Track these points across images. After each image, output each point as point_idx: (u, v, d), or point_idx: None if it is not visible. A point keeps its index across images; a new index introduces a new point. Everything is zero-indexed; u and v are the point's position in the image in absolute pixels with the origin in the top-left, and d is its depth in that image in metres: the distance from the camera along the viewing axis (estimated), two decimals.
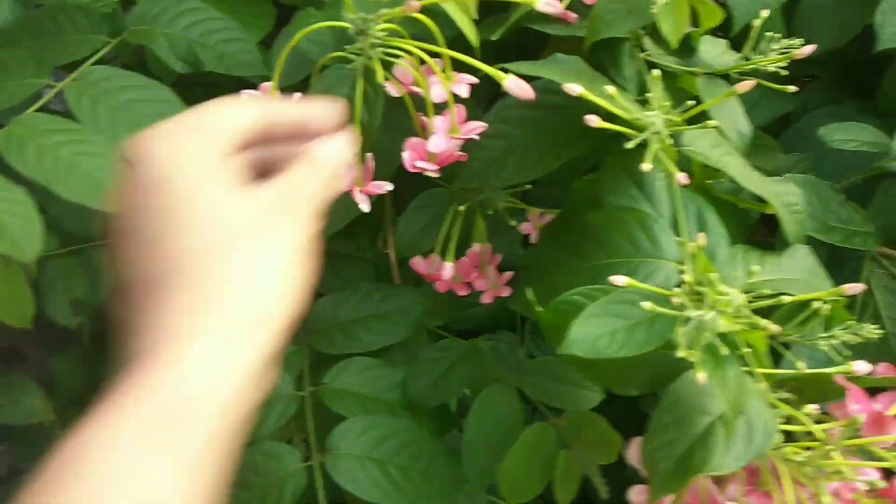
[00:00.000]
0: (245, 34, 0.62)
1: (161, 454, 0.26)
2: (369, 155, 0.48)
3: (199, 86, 0.66)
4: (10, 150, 0.48)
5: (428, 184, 0.62)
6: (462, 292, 0.59)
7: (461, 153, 0.48)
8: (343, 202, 0.59)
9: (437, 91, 0.46)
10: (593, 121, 0.40)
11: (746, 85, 0.39)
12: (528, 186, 0.58)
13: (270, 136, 0.36)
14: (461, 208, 0.56)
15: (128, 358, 0.29)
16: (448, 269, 0.55)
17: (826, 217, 0.64)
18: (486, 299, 0.60)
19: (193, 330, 0.28)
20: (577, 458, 0.56)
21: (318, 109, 0.39)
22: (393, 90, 0.47)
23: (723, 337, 0.36)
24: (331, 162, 0.36)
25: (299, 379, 0.60)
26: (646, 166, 0.40)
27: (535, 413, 0.62)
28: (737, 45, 0.60)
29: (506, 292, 0.61)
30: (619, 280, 0.38)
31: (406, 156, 0.47)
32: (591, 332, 0.38)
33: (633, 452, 0.50)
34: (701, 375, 0.35)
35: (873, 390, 0.45)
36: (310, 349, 0.62)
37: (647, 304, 0.36)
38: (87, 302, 0.77)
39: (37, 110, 0.54)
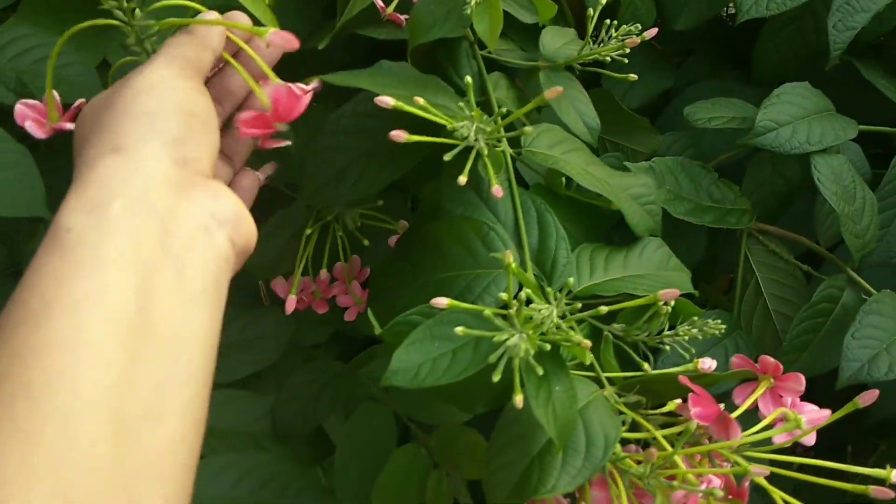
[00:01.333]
0: (82, 56, 0.59)
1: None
2: None
3: None
4: None
5: (285, 202, 0.60)
6: (321, 310, 0.57)
7: None
8: None
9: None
10: (400, 136, 0.38)
11: (553, 92, 0.37)
12: (380, 202, 0.56)
13: None
14: (308, 231, 0.54)
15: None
16: (291, 302, 0.53)
17: (699, 198, 0.64)
18: (349, 316, 0.58)
19: (93, 154, 0.33)
20: (447, 478, 0.55)
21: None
22: None
23: (542, 354, 0.34)
24: (205, 28, 0.39)
25: None
26: (462, 179, 0.39)
27: (408, 432, 0.61)
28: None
29: None
30: (440, 302, 0.37)
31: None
32: (413, 360, 0.37)
33: None
34: (518, 399, 0.34)
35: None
36: None
37: (459, 330, 0.34)
38: None
39: None
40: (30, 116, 0.42)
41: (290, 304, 0.53)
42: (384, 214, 0.58)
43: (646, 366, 0.43)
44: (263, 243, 0.58)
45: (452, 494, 0.55)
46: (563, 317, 0.37)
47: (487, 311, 0.35)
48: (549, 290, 0.36)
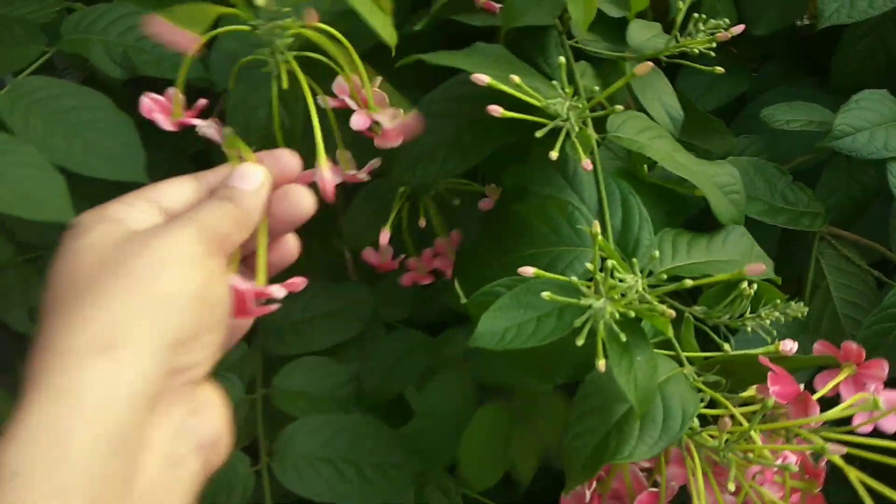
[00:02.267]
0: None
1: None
2: None
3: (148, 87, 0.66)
4: None
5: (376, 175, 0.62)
6: (426, 281, 0.59)
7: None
8: None
9: (356, 120, 0.45)
10: (496, 111, 0.40)
11: (644, 67, 0.39)
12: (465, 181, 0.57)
13: None
14: (401, 191, 0.56)
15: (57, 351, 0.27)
16: (384, 236, 0.55)
17: (773, 199, 0.64)
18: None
19: (64, 352, 0.26)
20: (533, 436, 0.56)
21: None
22: (321, 102, 0.47)
23: (626, 323, 0.36)
24: (249, 198, 0.34)
25: (251, 383, 0.59)
26: (553, 154, 0.40)
27: (487, 399, 0.62)
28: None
29: None
30: (527, 271, 0.38)
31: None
32: (499, 324, 0.38)
33: None
34: (601, 364, 0.35)
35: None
36: (262, 352, 0.62)
37: (545, 294, 0.36)
38: None
39: None
40: (156, 109, 0.44)
41: (408, 275, 0.55)
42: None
43: (726, 346, 0.44)
44: (354, 215, 0.61)
45: (538, 453, 0.56)
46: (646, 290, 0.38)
47: (574, 280, 0.37)
48: (634, 261, 0.37)
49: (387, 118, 0.46)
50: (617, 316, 0.34)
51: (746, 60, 0.81)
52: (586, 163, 0.40)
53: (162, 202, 0.33)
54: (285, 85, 0.43)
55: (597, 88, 0.52)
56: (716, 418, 0.43)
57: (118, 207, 0.32)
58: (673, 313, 0.35)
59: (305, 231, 0.68)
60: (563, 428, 0.50)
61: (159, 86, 0.65)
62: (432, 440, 0.58)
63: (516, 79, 0.41)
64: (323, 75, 0.46)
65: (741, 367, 0.45)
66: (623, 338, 0.35)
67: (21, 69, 0.60)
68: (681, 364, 0.43)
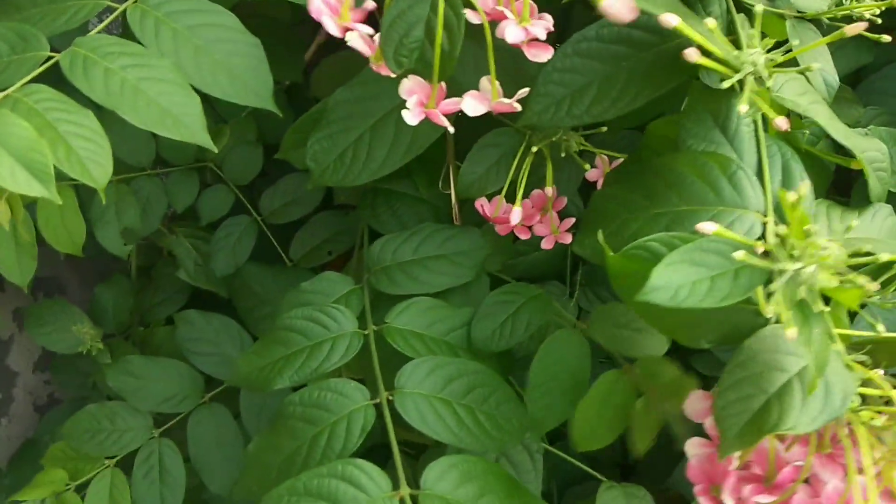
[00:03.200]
0: (258, 51, 0.60)
1: None
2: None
3: (254, 17, 0.64)
4: (75, 72, 0.47)
5: (490, 124, 0.60)
6: (524, 236, 0.58)
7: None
8: (401, 139, 0.58)
9: (512, 32, 0.44)
10: (692, 55, 0.37)
11: (855, 28, 0.36)
12: (604, 128, 0.55)
13: None
14: (533, 149, 0.54)
15: None
16: (516, 214, 0.54)
17: None
18: (546, 245, 0.58)
19: None
20: (654, 408, 0.55)
21: None
22: (471, 17, 0.45)
23: (815, 294, 0.34)
24: None
25: (361, 318, 0.59)
26: (742, 107, 0.38)
27: (601, 363, 0.61)
28: None
29: (567, 239, 0.60)
30: (707, 227, 0.36)
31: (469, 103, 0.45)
32: (672, 280, 0.37)
33: (694, 406, 0.49)
34: (791, 332, 0.34)
35: None
36: (370, 288, 0.61)
37: (739, 254, 0.34)
38: (137, 231, 0.77)
39: (100, 31, 0.52)
40: (325, 12, 0.43)
41: (516, 216, 0.54)
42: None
43: (879, 326, 0.42)
44: (472, 164, 0.59)
45: (660, 423, 0.55)
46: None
47: (757, 242, 0.35)
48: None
49: (541, 30, 0.44)
50: (830, 284, 0.33)
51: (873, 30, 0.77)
52: (782, 120, 0.38)
53: None
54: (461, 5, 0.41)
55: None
56: (864, 398, 0.42)
57: None
58: (876, 286, 0.33)
59: (410, 171, 0.68)
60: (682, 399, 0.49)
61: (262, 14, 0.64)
62: (543, 401, 0.57)
63: (711, 23, 0.39)
64: None
65: (884, 350, 0.44)
66: (820, 306, 0.34)
67: None
68: (833, 340, 0.42)
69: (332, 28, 0.43)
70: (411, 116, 0.47)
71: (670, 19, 0.38)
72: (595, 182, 0.59)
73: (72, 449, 0.74)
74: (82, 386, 0.88)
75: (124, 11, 0.54)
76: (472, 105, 0.47)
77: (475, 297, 0.60)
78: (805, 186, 0.33)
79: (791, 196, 0.34)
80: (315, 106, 0.64)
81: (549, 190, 0.57)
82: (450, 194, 0.63)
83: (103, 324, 0.86)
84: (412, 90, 0.47)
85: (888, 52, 0.80)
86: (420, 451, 0.65)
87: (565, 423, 0.58)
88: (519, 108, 0.47)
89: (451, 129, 0.48)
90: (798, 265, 0.33)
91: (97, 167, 0.45)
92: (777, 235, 0.36)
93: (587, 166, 0.56)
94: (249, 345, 0.76)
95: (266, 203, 0.82)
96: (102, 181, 0.45)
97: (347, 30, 0.44)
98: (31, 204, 0.67)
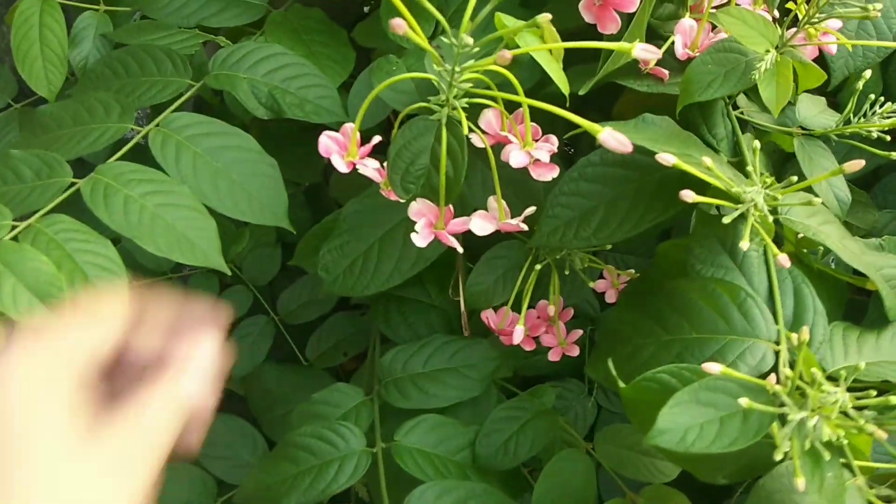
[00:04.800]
0: (326, 80, 0.62)
1: None
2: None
3: (274, 121, 0.66)
4: (96, 201, 0.49)
5: (501, 235, 0.61)
6: (528, 347, 0.57)
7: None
8: (409, 251, 0.58)
9: (516, 157, 0.45)
10: (688, 196, 0.38)
11: (855, 165, 0.36)
12: (609, 246, 0.55)
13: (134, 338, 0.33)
14: (538, 266, 0.54)
15: None
16: (519, 332, 0.54)
17: None
18: (553, 357, 0.58)
19: None
20: None
21: (188, 311, 0.35)
22: (476, 141, 0.46)
23: (825, 442, 0.33)
24: (189, 391, 0.32)
25: (369, 434, 0.58)
26: (744, 244, 0.38)
27: (607, 483, 0.60)
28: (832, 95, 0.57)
29: (574, 351, 0.59)
30: (713, 368, 0.36)
31: (477, 223, 0.46)
32: (680, 423, 0.36)
33: None
34: (800, 482, 0.33)
35: None
36: (379, 400, 0.61)
37: (744, 401, 0.33)
38: None
39: (121, 157, 0.54)
40: (333, 150, 0.44)
41: (518, 335, 0.53)
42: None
43: None
44: (480, 275, 0.59)
45: None
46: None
47: (767, 383, 0.34)
48: (834, 370, 0.35)
49: (545, 153, 0.45)
50: (834, 437, 0.32)
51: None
52: (784, 258, 0.37)
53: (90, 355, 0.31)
54: (465, 131, 0.42)
55: (760, 164, 0.50)
56: None
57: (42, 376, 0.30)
58: (884, 434, 0.33)
59: (422, 279, 0.68)
60: None
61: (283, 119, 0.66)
62: None
63: (708, 161, 0.39)
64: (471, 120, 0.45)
65: None
66: (827, 456, 0.33)
67: (167, 101, 0.60)
68: (853, 474, 0.41)
69: (341, 165, 0.45)
70: (420, 239, 0.48)
71: (667, 158, 0.38)
72: (604, 293, 0.58)
73: None
74: None
75: (146, 135, 0.56)
76: (480, 225, 0.48)
77: (484, 410, 0.59)
78: (806, 332, 0.33)
79: (796, 338, 0.34)
80: (329, 216, 0.65)
81: (552, 308, 0.57)
82: (458, 302, 0.63)
83: None
84: (420, 212, 0.48)
85: None
86: None
87: None
88: (525, 227, 0.48)
89: (461, 250, 0.49)
90: (803, 414, 0.33)
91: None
92: (787, 377, 0.35)
93: (591, 283, 0.56)
94: (264, 448, 0.75)
95: (283, 303, 0.82)
96: None
97: (353, 165, 0.45)
98: None
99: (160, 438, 0.31)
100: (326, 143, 0.45)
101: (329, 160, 0.46)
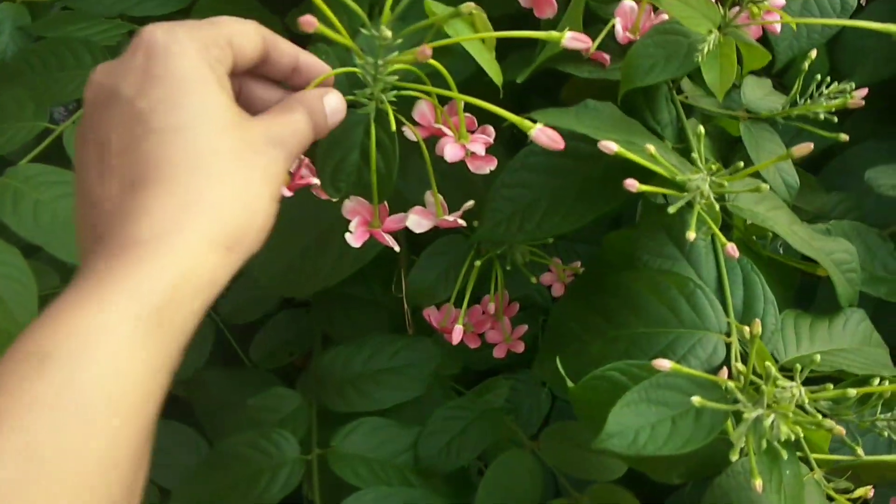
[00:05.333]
0: None
1: (142, 349, 0.26)
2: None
3: None
4: (3, 206, 0.45)
5: (443, 229, 0.58)
6: (473, 345, 0.55)
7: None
8: (348, 250, 0.56)
9: (450, 151, 0.42)
10: (632, 186, 0.36)
11: (803, 148, 0.35)
12: (550, 240, 0.54)
13: (262, 68, 0.36)
14: (478, 263, 0.52)
15: (110, 246, 0.27)
16: (458, 331, 0.52)
17: (873, 267, 0.60)
18: (498, 353, 0.56)
19: (180, 225, 0.28)
20: None
21: (313, 59, 0.38)
22: (410, 135, 0.44)
23: (783, 441, 0.32)
24: (327, 116, 0.36)
25: (306, 440, 0.56)
26: (690, 235, 0.36)
27: (555, 482, 0.58)
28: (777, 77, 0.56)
29: (520, 347, 0.57)
30: (663, 364, 0.34)
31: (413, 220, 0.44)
32: (630, 424, 0.34)
33: None
34: (757, 483, 0.31)
35: None
36: (317, 405, 0.58)
37: (696, 400, 0.32)
38: None
39: (34, 159, 0.50)
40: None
41: (457, 335, 0.51)
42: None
43: (858, 450, 0.40)
44: (421, 271, 0.57)
45: None
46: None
47: (720, 379, 0.33)
48: (787, 361, 0.34)
49: (480, 146, 0.43)
50: (791, 435, 0.30)
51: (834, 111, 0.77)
52: (731, 247, 0.36)
53: (235, 52, 0.33)
54: (393, 127, 0.40)
55: (705, 150, 0.48)
56: None
57: (197, 46, 0.31)
58: (843, 430, 0.31)
59: (365, 275, 0.66)
60: None
61: None
62: None
63: (652, 149, 0.37)
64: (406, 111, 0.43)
65: (867, 472, 0.41)
66: (785, 455, 0.31)
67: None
68: (810, 468, 0.39)
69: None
70: (354, 239, 0.45)
71: (609, 146, 0.36)
72: (551, 286, 0.57)
73: None
74: None
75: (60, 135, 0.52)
76: (417, 222, 0.45)
77: (428, 410, 0.57)
78: (758, 325, 0.31)
79: (748, 331, 0.32)
80: None
81: (492, 306, 0.54)
82: (402, 299, 0.61)
83: None
84: (355, 210, 0.45)
85: (856, 131, 0.79)
86: None
87: None
88: (463, 223, 0.46)
89: (398, 248, 0.46)
90: (759, 411, 0.31)
91: (21, 308, 0.43)
92: (739, 373, 0.33)
93: (534, 279, 0.54)
94: (206, 453, 0.72)
95: (225, 302, 0.79)
96: (25, 322, 0.43)
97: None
98: None
99: (297, 148, 0.34)
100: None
101: None
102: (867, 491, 0.41)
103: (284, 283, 0.56)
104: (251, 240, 0.30)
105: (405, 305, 0.61)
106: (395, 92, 0.41)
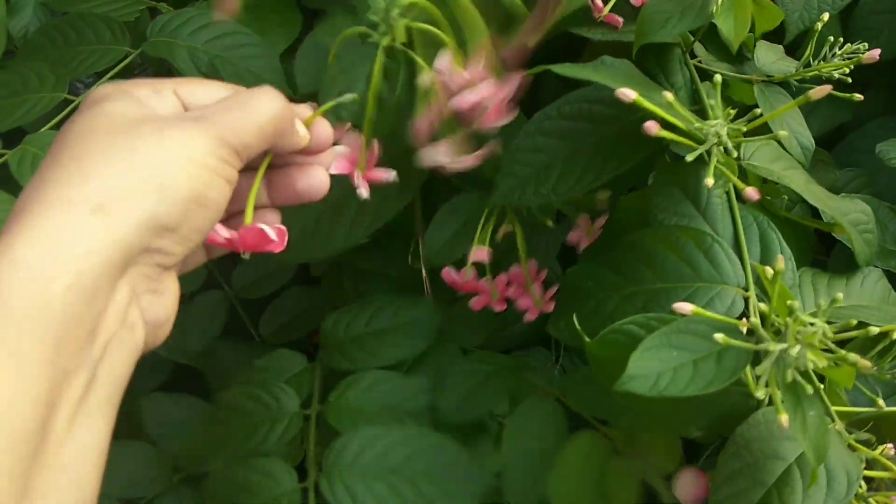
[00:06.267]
0: (269, 50, 0.59)
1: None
2: (375, 141, 0.44)
3: None
4: (23, 172, 0.46)
5: (459, 190, 0.58)
6: (499, 308, 0.55)
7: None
8: (370, 210, 0.56)
9: (460, 98, 0.42)
10: (652, 128, 0.36)
11: (821, 91, 0.35)
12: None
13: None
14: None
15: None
16: (479, 253, 0.50)
17: (884, 241, 0.59)
18: (530, 317, 0.55)
19: (58, 200, 0.28)
20: (633, 465, 0.51)
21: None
22: (425, 80, 0.43)
23: (805, 374, 0.32)
24: (267, 109, 0.33)
25: (309, 400, 0.56)
26: (708, 181, 0.36)
27: (580, 426, 0.58)
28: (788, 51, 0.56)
29: (552, 307, 0.57)
30: (684, 308, 0.34)
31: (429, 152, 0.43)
32: (651, 367, 0.34)
33: (685, 489, 0.46)
34: (783, 418, 0.31)
35: None
36: (322, 367, 0.59)
37: (719, 336, 0.32)
38: None
39: (52, 127, 0.51)
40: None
41: (480, 299, 0.51)
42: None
43: (880, 401, 0.39)
44: (437, 230, 0.57)
45: (639, 483, 0.51)
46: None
47: (742, 321, 0.33)
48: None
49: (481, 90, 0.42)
50: (819, 364, 0.30)
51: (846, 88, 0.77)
52: (752, 190, 0.36)
53: (189, 100, 0.33)
54: (402, 38, 0.39)
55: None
56: (868, 481, 0.39)
57: (145, 91, 0.32)
58: (869, 364, 0.31)
59: (381, 244, 0.65)
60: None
61: None
62: (519, 473, 0.53)
63: (669, 96, 0.37)
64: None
65: (888, 425, 0.41)
66: (809, 390, 0.31)
67: (104, 69, 0.57)
68: (831, 419, 0.39)
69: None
70: (334, 166, 0.43)
71: (627, 93, 0.36)
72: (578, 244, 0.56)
73: None
74: None
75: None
76: (431, 155, 0.44)
77: (446, 370, 0.57)
78: (781, 262, 0.31)
79: (769, 271, 0.32)
80: None
81: (520, 270, 0.54)
82: (419, 271, 0.61)
83: None
84: (344, 157, 0.44)
85: (869, 108, 0.79)
86: None
87: None
88: (475, 162, 0.44)
89: (366, 194, 0.44)
90: (783, 345, 0.31)
91: None
92: (760, 313, 0.33)
93: (549, 222, 0.53)
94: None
95: (238, 277, 0.79)
96: None
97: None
98: None
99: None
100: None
101: None
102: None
103: (299, 247, 0.56)
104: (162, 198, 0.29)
105: (422, 272, 0.61)
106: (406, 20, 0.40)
